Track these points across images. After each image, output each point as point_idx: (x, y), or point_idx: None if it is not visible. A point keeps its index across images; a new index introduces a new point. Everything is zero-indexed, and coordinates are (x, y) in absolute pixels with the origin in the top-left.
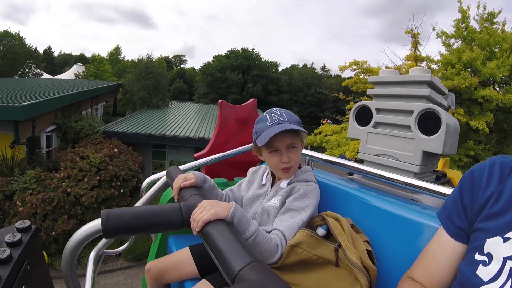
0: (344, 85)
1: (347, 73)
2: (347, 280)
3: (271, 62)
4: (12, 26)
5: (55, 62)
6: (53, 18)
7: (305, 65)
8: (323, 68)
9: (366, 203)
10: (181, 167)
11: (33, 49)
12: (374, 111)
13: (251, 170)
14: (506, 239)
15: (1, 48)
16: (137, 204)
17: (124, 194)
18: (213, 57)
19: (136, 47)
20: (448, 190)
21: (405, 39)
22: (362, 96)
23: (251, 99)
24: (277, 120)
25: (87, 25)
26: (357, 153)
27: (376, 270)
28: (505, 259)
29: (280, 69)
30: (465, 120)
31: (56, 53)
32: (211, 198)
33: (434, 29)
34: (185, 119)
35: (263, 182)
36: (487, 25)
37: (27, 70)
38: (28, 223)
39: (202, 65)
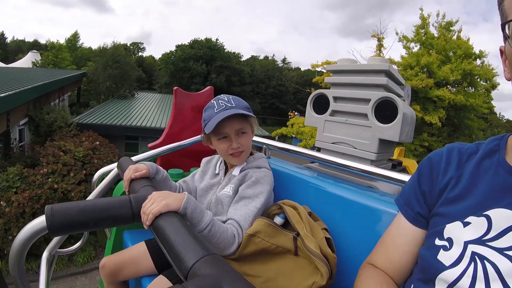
0: (314, 81)
1: (305, 66)
2: (307, 269)
3: (234, 53)
4: None
5: (7, 49)
6: (5, 2)
7: (266, 57)
8: (284, 60)
9: (324, 191)
10: (134, 158)
11: None
12: (331, 100)
13: (204, 160)
14: (466, 224)
15: None
16: (88, 198)
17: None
18: (176, 46)
19: (90, 32)
20: (405, 177)
21: (363, 34)
22: None
23: (208, 87)
24: (224, 106)
25: (41, 9)
26: None
27: (336, 258)
28: (466, 243)
29: (241, 59)
30: (420, 115)
31: (8, 39)
32: (163, 190)
33: (397, 33)
34: (154, 109)
35: (216, 171)
36: (444, 31)
37: None
38: None
39: (162, 54)
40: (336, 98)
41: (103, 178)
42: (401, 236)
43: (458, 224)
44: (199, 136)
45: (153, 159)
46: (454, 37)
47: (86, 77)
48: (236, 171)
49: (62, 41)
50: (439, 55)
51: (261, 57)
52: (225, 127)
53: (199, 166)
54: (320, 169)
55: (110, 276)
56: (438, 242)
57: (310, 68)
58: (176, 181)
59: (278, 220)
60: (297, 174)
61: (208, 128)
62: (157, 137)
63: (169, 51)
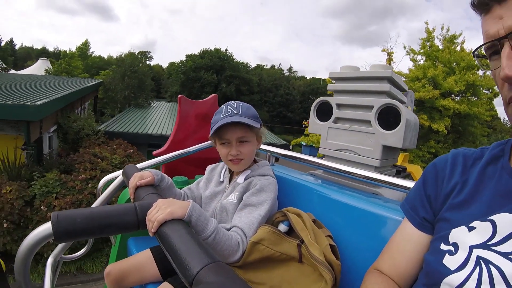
0: (329, 92)
1: (309, 74)
2: (311, 277)
3: (242, 63)
4: None
5: (16, 56)
6: (10, 7)
7: (273, 66)
8: (290, 69)
9: (328, 198)
10: (139, 165)
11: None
12: (334, 106)
13: (209, 167)
14: (471, 228)
15: None
16: (93, 205)
17: None
18: (186, 56)
19: (95, 40)
20: (409, 183)
21: (366, 41)
22: None
23: (212, 95)
24: (230, 112)
25: (46, 16)
26: None
27: (340, 265)
28: (471, 248)
29: (249, 69)
30: (428, 124)
31: (17, 46)
32: (168, 197)
33: (404, 47)
34: (170, 117)
35: (221, 179)
36: (448, 44)
37: None
38: None
39: (169, 63)
40: (339, 105)
41: (108, 185)
42: (406, 241)
43: (463, 229)
44: (205, 143)
45: (157, 166)
46: (458, 47)
47: (102, 86)
48: (240, 179)
49: (68, 48)
50: (444, 67)
51: (268, 66)
52: (227, 133)
53: (204, 173)
54: (324, 176)
55: (115, 283)
56: (443, 246)
57: (315, 77)
58: (180, 189)
59: (283, 227)
60: (301, 181)
61: (211, 132)
62: None
63: (179, 61)
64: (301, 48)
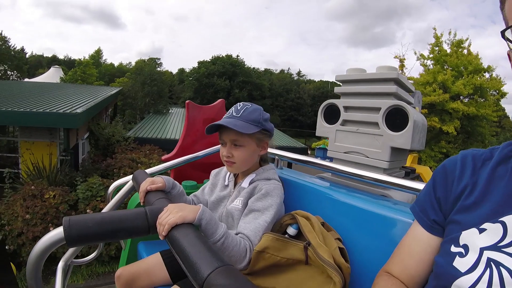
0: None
1: (316, 77)
2: (318, 279)
3: (253, 68)
4: None
5: (27, 64)
6: (18, 16)
7: (282, 71)
8: (299, 73)
9: (337, 201)
10: (148, 170)
11: (15, 49)
12: (342, 109)
13: (213, 172)
14: (481, 230)
15: None
16: (103, 210)
17: None
18: (198, 62)
19: (103, 48)
20: (418, 185)
21: (372, 43)
22: None
23: (219, 100)
24: (230, 113)
25: (53, 24)
26: None
27: (350, 267)
28: (482, 250)
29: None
30: (439, 126)
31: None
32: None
33: (415, 53)
34: None
35: (226, 183)
36: (456, 49)
37: (9, 72)
38: None
39: (179, 69)
40: (346, 108)
41: (118, 191)
42: (416, 244)
43: (473, 230)
44: (213, 148)
45: (166, 171)
46: (465, 51)
47: (122, 93)
48: (245, 183)
49: (79, 56)
50: (452, 71)
51: (276, 71)
52: (223, 134)
53: None
54: (333, 179)
55: (126, 286)
56: (454, 249)
57: (323, 79)
58: (189, 194)
59: (291, 230)
60: (310, 184)
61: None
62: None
63: (191, 67)
64: (306, 51)
